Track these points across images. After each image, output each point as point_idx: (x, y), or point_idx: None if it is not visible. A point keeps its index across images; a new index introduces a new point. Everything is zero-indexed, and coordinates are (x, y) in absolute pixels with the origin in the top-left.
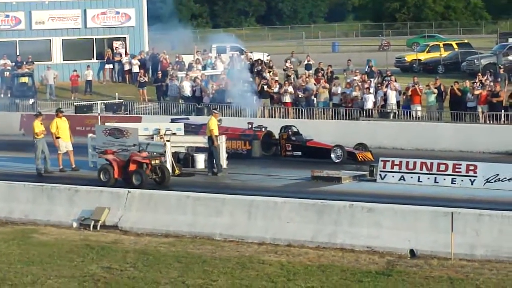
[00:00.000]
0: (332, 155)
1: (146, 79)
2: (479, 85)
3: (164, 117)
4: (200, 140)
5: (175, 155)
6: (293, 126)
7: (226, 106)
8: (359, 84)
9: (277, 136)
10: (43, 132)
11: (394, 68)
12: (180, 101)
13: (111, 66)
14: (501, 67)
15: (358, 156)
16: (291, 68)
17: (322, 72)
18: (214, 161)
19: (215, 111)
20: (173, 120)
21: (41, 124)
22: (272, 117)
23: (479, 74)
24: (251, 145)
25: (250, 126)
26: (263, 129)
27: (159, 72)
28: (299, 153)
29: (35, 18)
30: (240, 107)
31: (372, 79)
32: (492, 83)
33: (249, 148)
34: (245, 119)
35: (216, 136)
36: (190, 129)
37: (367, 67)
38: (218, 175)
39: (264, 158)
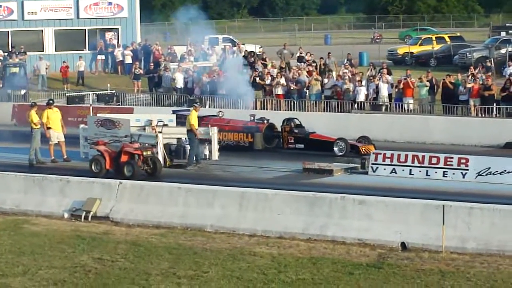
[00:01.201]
0: (335, 148)
1: (141, 71)
2: (471, 78)
3: (156, 108)
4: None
5: (166, 146)
6: (296, 118)
7: (219, 98)
8: (349, 76)
9: (279, 129)
10: (39, 122)
11: (386, 61)
12: (174, 93)
13: (103, 57)
14: (492, 60)
15: (361, 149)
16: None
17: (315, 64)
18: (189, 154)
19: (196, 104)
20: (174, 112)
21: (36, 113)
22: (264, 109)
23: (471, 67)
24: (253, 137)
25: (252, 118)
26: (265, 121)
27: (151, 64)
28: (302, 145)
29: (28, 8)
30: (232, 99)
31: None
32: (484, 76)
33: (251, 141)
34: (238, 111)
35: (197, 129)
36: None
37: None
38: (188, 168)
39: (266, 150)
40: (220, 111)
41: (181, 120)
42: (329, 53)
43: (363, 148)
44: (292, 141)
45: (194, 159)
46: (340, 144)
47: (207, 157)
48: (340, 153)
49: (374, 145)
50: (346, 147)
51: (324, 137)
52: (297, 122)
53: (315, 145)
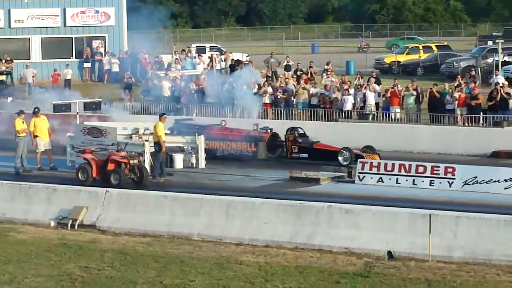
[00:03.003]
0: (340, 158)
1: (132, 80)
2: (458, 87)
3: (143, 116)
4: (179, 140)
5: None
6: (300, 127)
7: (205, 106)
8: (337, 85)
9: (283, 138)
10: (25, 130)
11: (375, 69)
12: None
13: (89, 65)
14: (479, 69)
15: (366, 159)
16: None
17: (302, 72)
18: (154, 165)
19: (164, 116)
20: (177, 121)
21: (23, 122)
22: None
23: (458, 77)
24: (257, 147)
25: (255, 127)
26: (269, 130)
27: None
28: (306, 155)
29: (14, 16)
30: (218, 107)
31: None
32: (472, 85)
33: (254, 150)
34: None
35: (164, 141)
36: (194, 130)
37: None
38: (153, 180)
39: (269, 160)
40: (223, 120)
41: (182, 129)
42: (311, 61)
43: (368, 158)
44: (296, 150)
45: (160, 170)
46: (345, 154)
47: (194, 166)
48: (345, 163)
49: (379, 154)
50: (351, 156)
51: (329, 147)
52: (301, 131)
53: (319, 154)
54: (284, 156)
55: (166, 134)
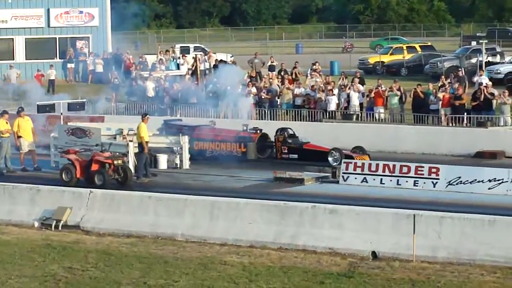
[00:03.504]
0: (330, 159)
1: (119, 81)
2: (442, 87)
3: (128, 117)
4: (163, 141)
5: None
6: (289, 128)
7: (189, 107)
8: (322, 86)
9: (272, 139)
10: (8, 131)
11: (359, 70)
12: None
13: (73, 65)
14: (463, 69)
15: (356, 159)
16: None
17: (286, 73)
18: (138, 165)
19: (146, 116)
20: (166, 122)
21: (7, 123)
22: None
23: (442, 77)
24: (246, 147)
25: (245, 128)
26: (259, 131)
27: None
28: (295, 156)
29: None
30: (203, 108)
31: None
32: (456, 86)
33: (244, 151)
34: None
35: (147, 142)
36: (184, 131)
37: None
38: (137, 181)
39: (259, 160)
40: (212, 121)
41: (172, 129)
42: (296, 62)
43: (358, 159)
44: (286, 151)
45: (144, 171)
46: (335, 155)
47: (178, 166)
48: (335, 163)
49: (369, 155)
50: (341, 157)
51: (319, 147)
52: (291, 132)
53: (309, 155)
54: (274, 157)
55: (155, 134)
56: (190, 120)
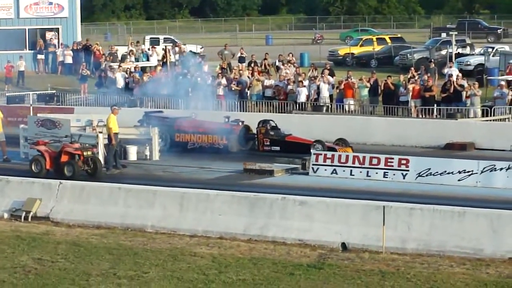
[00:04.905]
0: (312, 151)
1: (88, 72)
2: (412, 79)
3: (98, 108)
4: (133, 132)
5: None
6: (271, 120)
7: (159, 98)
8: (292, 77)
9: (254, 131)
10: None
11: (329, 61)
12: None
13: (43, 56)
14: (432, 61)
15: (338, 151)
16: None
17: (255, 64)
18: (108, 157)
19: (115, 107)
20: (146, 113)
21: None
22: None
23: (412, 69)
24: (228, 139)
25: (226, 120)
26: (240, 123)
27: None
28: (278, 148)
29: None
30: (172, 100)
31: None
32: (426, 77)
33: (225, 143)
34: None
35: (116, 133)
36: (164, 123)
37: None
38: (107, 172)
39: (241, 152)
40: (193, 113)
41: (152, 121)
42: (266, 53)
43: (341, 151)
44: (268, 143)
45: (114, 162)
46: (318, 147)
47: (148, 158)
48: None
49: (352, 147)
50: (323, 149)
51: (301, 140)
52: (273, 124)
53: (291, 147)
54: (256, 149)
55: (136, 126)
56: (171, 112)
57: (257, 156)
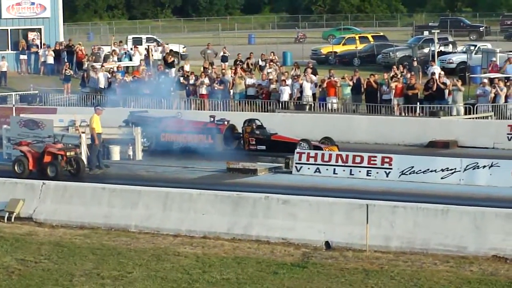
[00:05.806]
0: (296, 150)
1: (71, 72)
2: (394, 77)
3: (80, 108)
4: (116, 132)
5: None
6: (257, 119)
7: (142, 98)
8: (275, 76)
9: (240, 130)
10: None
11: (311, 60)
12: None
13: (25, 57)
14: (415, 59)
15: (324, 150)
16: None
17: (241, 64)
18: (91, 157)
19: (99, 108)
20: (132, 113)
21: None
22: (188, 109)
23: (394, 67)
24: (213, 139)
25: (212, 119)
26: (226, 122)
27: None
28: (263, 147)
29: None
30: (156, 99)
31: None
32: (409, 75)
33: (211, 142)
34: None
35: (99, 133)
36: (149, 122)
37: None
38: (90, 173)
39: (226, 152)
40: (179, 112)
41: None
42: (251, 53)
43: (327, 149)
44: (254, 142)
45: (97, 162)
46: (304, 146)
47: (131, 158)
48: None
49: (338, 146)
50: (309, 148)
51: (287, 139)
52: (259, 123)
53: (277, 146)
54: (242, 148)
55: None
56: (157, 111)
57: (242, 155)
